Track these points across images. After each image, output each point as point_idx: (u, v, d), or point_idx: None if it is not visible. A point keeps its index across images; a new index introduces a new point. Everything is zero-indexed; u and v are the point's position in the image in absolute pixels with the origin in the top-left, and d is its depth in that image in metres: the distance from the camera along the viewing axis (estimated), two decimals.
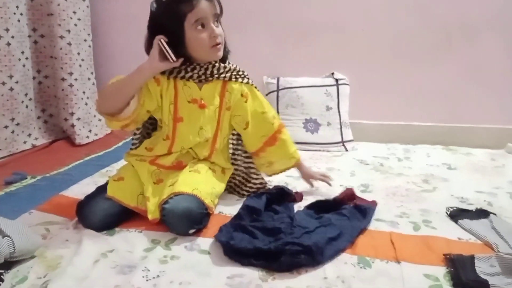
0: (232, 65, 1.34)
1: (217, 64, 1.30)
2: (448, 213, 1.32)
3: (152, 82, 1.25)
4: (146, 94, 1.25)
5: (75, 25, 2.17)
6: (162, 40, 1.16)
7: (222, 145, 1.40)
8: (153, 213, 1.20)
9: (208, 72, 1.28)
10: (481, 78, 2.16)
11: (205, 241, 1.13)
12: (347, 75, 2.24)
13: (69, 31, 2.11)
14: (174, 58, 1.18)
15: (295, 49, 2.29)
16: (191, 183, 1.22)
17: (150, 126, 1.42)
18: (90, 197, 1.23)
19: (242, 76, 1.35)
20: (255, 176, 1.47)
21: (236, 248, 1.04)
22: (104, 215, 1.19)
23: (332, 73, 2.25)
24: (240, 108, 1.36)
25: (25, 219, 1.26)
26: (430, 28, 2.15)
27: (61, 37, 2.08)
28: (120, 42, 2.39)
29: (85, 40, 2.28)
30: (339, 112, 2.18)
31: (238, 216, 1.22)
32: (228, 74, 1.31)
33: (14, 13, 1.88)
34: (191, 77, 1.27)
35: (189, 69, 1.27)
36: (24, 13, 1.98)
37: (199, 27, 1.20)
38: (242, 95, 1.35)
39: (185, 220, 1.14)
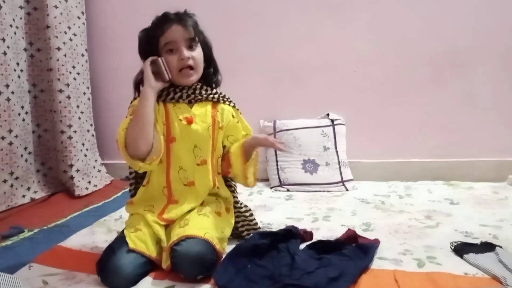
0: (220, 92, 1.38)
1: (205, 87, 1.33)
2: (453, 248, 1.28)
3: None
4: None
5: (74, 79, 2.23)
6: (162, 59, 1.24)
7: (218, 166, 1.39)
8: (165, 261, 1.17)
9: (197, 92, 1.31)
10: (476, 109, 2.18)
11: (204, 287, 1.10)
12: (342, 115, 2.27)
13: (68, 84, 2.16)
14: (170, 75, 1.25)
15: (290, 92, 2.33)
16: (203, 227, 1.21)
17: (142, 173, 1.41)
18: (110, 253, 1.15)
19: (229, 99, 1.39)
20: (249, 216, 1.45)
21: None
22: (133, 267, 1.13)
23: (327, 114, 2.27)
24: (233, 128, 1.38)
25: (22, 273, 1.22)
26: (419, 63, 2.20)
27: (60, 90, 2.13)
28: (118, 94, 2.44)
29: (84, 93, 2.33)
30: (336, 152, 2.18)
31: (238, 253, 1.19)
32: (216, 96, 1.35)
33: (15, 70, 1.93)
34: (180, 97, 1.30)
35: (177, 90, 1.30)
36: (24, 69, 2.03)
37: (170, 50, 1.26)
38: (233, 116, 1.38)
39: (196, 265, 1.12)
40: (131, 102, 1.33)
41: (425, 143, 2.24)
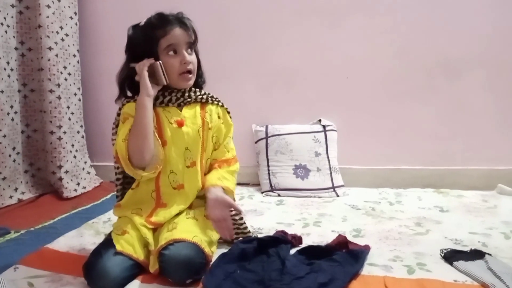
0: (208, 92, 1.37)
1: (193, 88, 1.33)
2: (443, 255, 1.29)
3: None
4: None
5: (65, 79, 2.21)
6: (161, 63, 1.22)
7: (206, 168, 1.38)
8: (153, 265, 1.16)
9: (186, 95, 1.31)
10: (466, 118, 2.19)
11: None
12: (334, 121, 2.27)
13: (59, 85, 2.14)
14: (167, 80, 1.24)
15: (282, 97, 2.33)
16: (191, 230, 1.20)
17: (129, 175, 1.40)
18: (97, 256, 1.13)
19: (217, 100, 1.38)
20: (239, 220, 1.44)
21: None
22: (120, 270, 1.11)
23: (319, 120, 2.27)
24: (218, 129, 1.37)
25: (8, 275, 1.20)
26: (412, 70, 2.21)
27: (51, 91, 2.10)
28: (109, 95, 2.40)
29: (75, 94, 2.31)
30: (328, 157, 2.19)
31: (226, 259, 1.18)
32: (205, 97, 1.34)
33: (5, 68, 1.91)
34: (169, 101, 1.29)
35: (166, 93, 1.29)
36: (14, 68, 2.01)
37: (171, 53, 1.24)
38: (219, 117, 1.37)
39: (185, 269, 1.11)
40: (120, 108, 1.31)
41: (416, 151, 2.25)
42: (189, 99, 1.31)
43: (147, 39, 1.24)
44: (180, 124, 1.29)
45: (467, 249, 1.32)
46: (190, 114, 1.31)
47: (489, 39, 2.13)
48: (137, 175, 1.22)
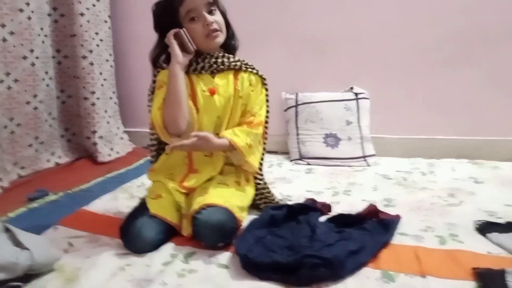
0: (243, 59, 1.35)
1: (226, 54, 1.31)
2: (477, 226, 1.26)
3: None
4: None
5: (97, 45, 2.23)
6: (184, 30, 1.21)
7: None
8: (186, 229, 1.20)
9: (219, 61, 1.29)
10: (505, 87, 2.09)
11: (223, 255, 1.12)
12: (366, 89, 2.22)
13: (91, 51, 2.16)
14: (194, 46, 1.23)
15: (313, 64, 2.28)
16: (222, 195, 1.22)
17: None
18: (132, 219, 1.18)
19: (252, 67, 1.35)
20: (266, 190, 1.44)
21: (254, 262, 1.02)
22: (154, 232, 1.16)
23: (351, 88, 2.23)
24: (247, 97, 1.34)
25: (48, 234, 1.27)
26: (449, 38, 2.11)
27: (84, 57, 2.13)
28: (141, 62, 2.42)
29: (107, 60, 2.34)
30: (359, 126, 2.15)
31: (256, 224, 1.20)
32: (239, 63, 1.32)
33: (39, 35, 1.94)
34: (203, 68, 1.28)
35: (199, 60, 1.28)
36: (48, 35, 2.04)
37: (192, 18, 1.24)
38: (250, 84, 1.34)
39: (217, 233, 1.13)
40: (155, 76, 1.32)
41: (451, 120, 2.18)
42: (222, 66, 1.30)
43: (167, 11, 1.24)
44: (212, 92, 1.28)
45: (502, 221, 1.29)
46: (223, 82, 1.30)
47: None
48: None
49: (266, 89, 1.38)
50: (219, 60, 1.30)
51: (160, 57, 1.31)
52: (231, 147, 1.27)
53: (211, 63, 1.29)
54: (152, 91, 1.32)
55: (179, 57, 1.21)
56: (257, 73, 1.36)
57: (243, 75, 1.33)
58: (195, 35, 1.24)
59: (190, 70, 1.28)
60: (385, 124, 2.24)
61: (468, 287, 0.95)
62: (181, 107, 1.20)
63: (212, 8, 1.26)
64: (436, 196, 1.59)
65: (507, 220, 1.30)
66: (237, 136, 1.28)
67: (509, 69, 2.08)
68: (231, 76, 1.32)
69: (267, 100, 1.39)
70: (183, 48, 1.23)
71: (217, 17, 1.27)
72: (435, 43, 2.13)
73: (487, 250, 1.12)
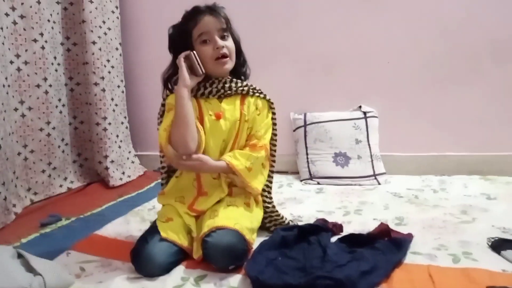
0: (250, 84, 1.37)
1: (234, 79, 1.33)
2: (490, 244, 1.25)
3: None
4: None
5: (109, 72, 2.28)
6: (194, 53, 1.24)
7: None
8: (196, 251, 1.20)
9: (227, 86, 1.31)
10: None
11: (235, 278, 1.11)
12: (375, 107, 2.22)
13: (103, 78, 2.21)
14: (203, 70, 1.25)
15: (321, 84, 2.30)
16: (232, 217, 1.22)
17: None
18: (143, 242, 1.18)
19: (259, 91, 1.37)
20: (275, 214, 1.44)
21: (266, 284, 1.02)
22: (165, 256, 1.16)
23: (360, 106, 2.24)
24: (253, 120, 1.35)
25: (61, 259, 1.27)
26: (458, 54, 2.12)
27: (96, 84, 2.18)
28: (151, 87, 2.48)
29: (118, 86, 2.38)
30: (369, 145, 2.15)
31: (267, 246, 1.20)
32: (246, 88, 1.34)
33: (52, 64, 1.99)
34: (210, 92, 1.30)
35: (207, 85, 1.30)
36: (61, 63, 2.09)
37: (203, 41, 1.27)
38: (256, 108, 1.35)
39: (228, 256, 1.13)
40: (164, 99, 1.35)
41: (462, 136, 2.17)
42: (229, 91, 1.32)
43: (181, 33, 1.29)
44: (218, 117, 1.30)
45: None
46: (230, 106, 1.32)
47: None
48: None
49: (273, 113, 1.39)
50: (227, 85, 1.32)
51: (172, 78, 1.33)
52: (230, 170, 1.28)
53: (218, 88, 1.31)
54: (162, 115, 1.35)
55: (186, 80, 1.24)
56: (264, 98, 1.37)
57: (250, 100, 1.35)
58: (204, 58, 1.27)
59: (198, 94, 1.30)
60: (394, 141, 2.23)
61: None
62: (190, 128, 1.22)
63: (225, 33, 1.29)
64: (449, 213, 1.57)
65: None
66: (237, 159, 1.29)
67: None
68: (238, 100, 1.34)
69: (274, 124, 1.40)
70: (192, 71, 1.26)
71: (228, 43, 1.29)
72: (443, 59, 2.14)
73: (502, 268, 1.10)
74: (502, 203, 1.67)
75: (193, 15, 1.27)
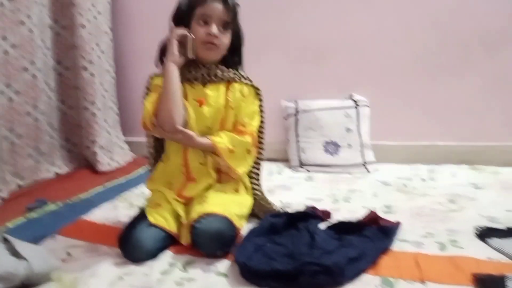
0: (237, 71, 1.35)
1: (221, 66, 1.32)
2: (477, 232, 1.26)
3: None
4: None
5: (98, 57, 2.24)
6: (193, 37, 1.24)
7: None
8: (185, 237, 1.19)
9: (212, 72, 1.30)
10: (504, 92, 2.09)
11: (223, 264, 1.11)
12: (366, 96, 2.22)
13: (92, 62, 2.17)
14: (193, 56, 1.25)
15: (313, 72, 2.29)
16: (221, 204, 1.22)
17: (161, 149, 1.42)
18: (131, 228, 1.18)
19: (246, 78, 1.35)
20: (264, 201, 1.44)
21: (254, 270, 1.02)
22: (153, 241, 1.16)
23: (351, 95, 2.23)
24: (238, 107, 1.33)
25: (47, 244, 1.27)
26: (448, 44, 2.12)
27: (84, 68, 2.14)
28: (141, 72, 2.43)
29: (108, 71, 2.35)
30: (359, 133, 2.15)
31: (256, 232, 1.20)
32: (232, 75, 1.33)
33: (40, 47, 1.95)
34: (195, 78, 1.29)
35: (192, 69, 1.29)
36: (49, 47, 2.05)
37: (201, 21, 1.25)
38: (242, 94, 1.34)
39: (216, 242, 1.13)
40: (151, 78, 1.34)
41: (451, 126, 2.18)
42: (214, 78, 1.30)
43: (188, 3, 1.27)
44: (200, 103, 1.29)
45: (502, 226, 1.28)
46: (214, 92, 1.30)
47: None
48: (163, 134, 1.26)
49: (260, 100, 1.38)
50: (212, 71, 1.30)
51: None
52: (213, 148, 1.27)
53: (203, 74, 1.29)
54: (145, 98, 1.34)
55: (175, 56, 1.23)
56: (250, 84, 1.36)
57: (235, 86, 1.33)
58: (195, 37, 1.25)
59: (182, 78, 1.28)
60: (385, 130, 2.24)
61: None
62: (177, 103, 1.21)
63: (225, 27, 1.28)
64: (437, 202, 1.58)
65: (508, 225, 1.29)
66: (220, 138, 1.28)
67: (508, 74, 2.08)
68: (223, 87, 1.32)
69: (261, 111, 1.39)
70: (182, 51, 1.25)
71: (224, 36, 1.28)
72: (434, 49, 2.14)
73: (488, 256, 1.11)
74: (489, 192, 1.69)
75: None
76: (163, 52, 1.31)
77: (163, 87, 1.22)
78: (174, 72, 1.22)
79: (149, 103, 1.25)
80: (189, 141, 1.25)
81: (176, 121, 1.21)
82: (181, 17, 1.27)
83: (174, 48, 1.23)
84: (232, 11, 1.27)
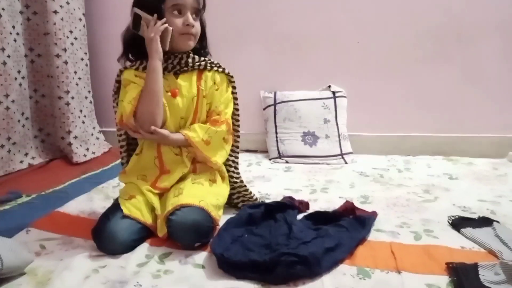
0: (208, 59, 1.33)
1: (191, 55, 1.30)
2: (450, 222, 1.29)
3: (138, 79, 1.24)
4: None
5: (72, 44, 2.18)
6: (172, 29, 1.21)
7: None
8: (161, 230, 1.18)
9: (183, 61, 1.28)
10: (479, 85, 2.15)
11: (200, 255, 1.10)
12: (344, 88, 2.23)
13: (65, 50, 2.11)
14: (167, 47, 1.22)
15: (291, 63, 2.29)
16: (197, 195, 1.20)
17: (133, 141, 1.40)
18: (105, 220, 1.16)
19: (218, 65, 1.33)
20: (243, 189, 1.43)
21: (231, 261, 1.01)
22: (128, 233, 1.14)
23: (329, 86, 2.24)
24: (211, 96, 1.32)
25: (20, 237, 1.23)
26: (424, 36, 2.15)
27: (58, 55, 2.08)
28: (116, 61, 2.40)
29: (82, 59, 2.29)
30: (337, 124, 2.17)
31: (233, 223, 1.20)
32: (203, 63, 1.30)
33: (11, 33, 1.89)
34: (166, 68, 1.26)
35: (163, 61, 1.25)
36: (20, 33, 1.98)
37: (175, 12, 1.23)
38: (214, 83, 1.32)
39: (193, 233, 1.12)
40: (121, 72, 1.30)
41: (426, 118, 2.22)
42: (185, 68, 1.28)
43: None
44: (174, 94, 1.27)
45: (475, 216, 1.32)
46: (186, 83, 1.28)
47: (504, 4, 2.05)
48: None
49: (234, 87, 1.36)
50: (183, 60, 1.28)
51: (132, 43, 1.27)
52: (188, 143, 1.26)
53: (174, 64, 1.27)
54: (116, 92, 1.31)
55: (161, 54, 1.20)
56: (223, 71, 1.34)
57: (207, 74, 1.32)
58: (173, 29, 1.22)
59: None
60: (362, 122, 2.26)
61: (442, 282, 0.96)
62: (160, 104, 1.20)
63: (197, 14, 1.26)
64: (412, 192, 1.61)
65: (480, 215, 1.32)
66: (194, 131, 1.27)
67: (482, 66, 2.13)
68: (194, 76, 1.30)
69: (235, 98, 1.37)
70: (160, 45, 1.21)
71: (197, 24, 1.26)
72: (411, 41, 2.17)
73: (461, 245, 1.14)
74: (463, 183, 1.73)
75: None
76: (128, 46, 1.28)
77: (147, 87, 1.19)
78: (160, 71, 1.20)
79: (127, 103, 1.21)
80: (164, 140, 1.24)
81: (158, 123, 1.20)
82: (150, 7, 1.21)
83: (158, 45, 1.20)
84: None
